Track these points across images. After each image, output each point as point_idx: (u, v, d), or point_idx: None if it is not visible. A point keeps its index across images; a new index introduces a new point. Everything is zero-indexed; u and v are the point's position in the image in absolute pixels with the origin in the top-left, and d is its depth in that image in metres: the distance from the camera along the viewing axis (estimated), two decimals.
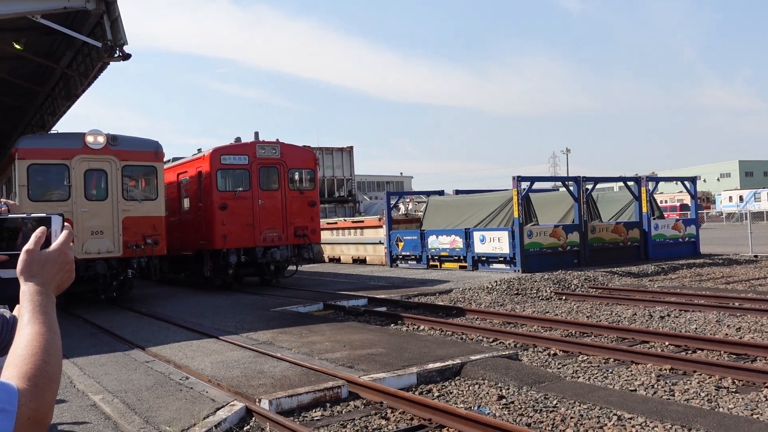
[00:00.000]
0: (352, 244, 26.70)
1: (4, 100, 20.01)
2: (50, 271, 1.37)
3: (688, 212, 27.02)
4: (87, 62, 14.88)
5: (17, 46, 14.58)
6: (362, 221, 26.73)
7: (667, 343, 9.37)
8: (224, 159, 17.57)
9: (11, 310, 1.78)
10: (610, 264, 19.56)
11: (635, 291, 14.81)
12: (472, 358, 8.32)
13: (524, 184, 19.46)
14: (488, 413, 6.51)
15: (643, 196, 21.67)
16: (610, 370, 8.11)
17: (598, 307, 13.04)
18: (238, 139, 18.39)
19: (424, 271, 20.94)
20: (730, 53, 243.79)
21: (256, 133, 18.28)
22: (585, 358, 8.76)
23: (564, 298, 14.53)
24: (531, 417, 6.38)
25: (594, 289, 15.43)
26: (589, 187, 21.06)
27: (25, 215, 1.46)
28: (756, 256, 21.31)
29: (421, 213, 24.62)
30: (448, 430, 6.07)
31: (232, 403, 6.80)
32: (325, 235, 25.44)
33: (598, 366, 8.38)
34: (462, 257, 20.63)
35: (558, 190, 25.22)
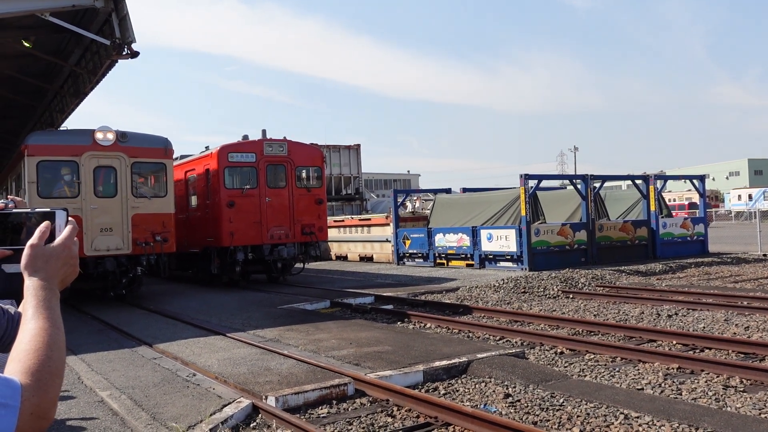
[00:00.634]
0: (359, 241, 26.72)
1: (14, 98, 20.11)
2: (54, 265, 1.37)
3: (697, 211, 26.90)
4: (95, 60, 14.92)
5: (26, 44, 14.65)
6: (369, 219, 26.74)
7: (674, 342, 9.34)
8: (232, 156, 17.61)
9: (17, 304, 1.78)
10: (617, 262, 19.49)
11: (643, 290, 14.76)
12: (479, 356, 8.31)
13: (532, 182, 19.41)
14: (494, 411, 6.51)
15: (651, 194, 21.57)
16: (617, 369, 8.08)
17: (606, 306, 13.00)
18: (245, 137, 18.42)
19: (431, 269, 20.93)
20: (740, 51, 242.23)
21: (264, 131, 18.31)
22: (592, 356, 8.74)
23: (571, 296, 14.49)
24: (537, 415, 6.37)
25: (601, 288, 15.38)
26: (597, 185, 20.99)
27: (29, 210, 1.46)
28: (765, 255, 21.19)
29: (429, 211, 24.60)
30: (454, 428, 6.06)
31: (238, 399, 6.82)
32: (332, 233, 25.50)
33: (605, 365, 8.35)
34: (469, 255, 20.61)
35: (566, 188, 25.16)
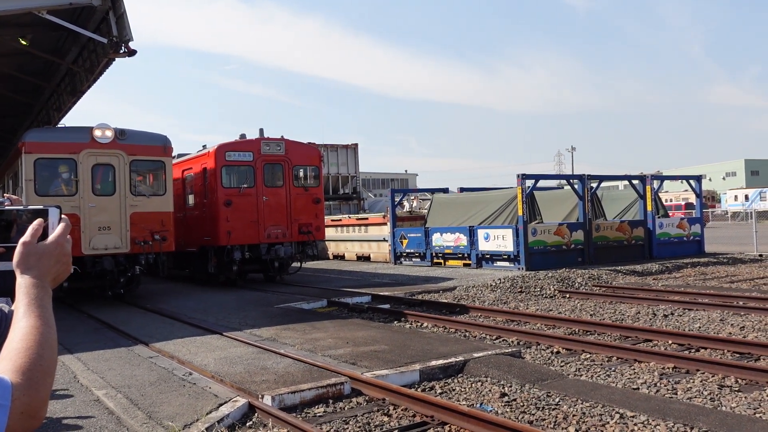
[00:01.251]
0: (356, 241, 26.72)
1: (10, 96, 20.06)
2: (47, 263, 1.36)
3: (693, 211, 26.95)
4: (92, 58, 14.89)
5: (23, 42, 14.61)
6: (366, 218, 26.73)
7: (670, 342, 9.35)
8: (229, 156, 17.59)
9: (12, 302, 1.78)
10: (614, 262, 19.52)
11: (639, 289, 14.78)
12: (475, 355, 8.32)
13: (529, 182, 19.42)
14: (490, 411, 6.51)
15: (648, 194, 21.60)
16: (613, 369, 8.10)
17: (602, 306, 13.02)
18: (242, 136, 18.40)
19: (428, 269, 20.94)
20: (738, 51, 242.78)
21: (261, 130, 18.29)
22: (588, 356, 8.75)
23: (567, 296, 14.50)
24: (533, 415, 6.38)
25: (598, 288, 15.40)
26: (594, 185, 21.01)
27: (21, 207, 1.46)
28: (761, 256, 21.23)
29: (426, 210, 24.61)
30: (450, 427, 6.07)
31: (235, 399, 6.82)
32: (329, 232, 25.48)
33: (601, 364, 8.37)
34: (466, 255, 20.62)
35: (563, 188, 25.16)
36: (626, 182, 23.72)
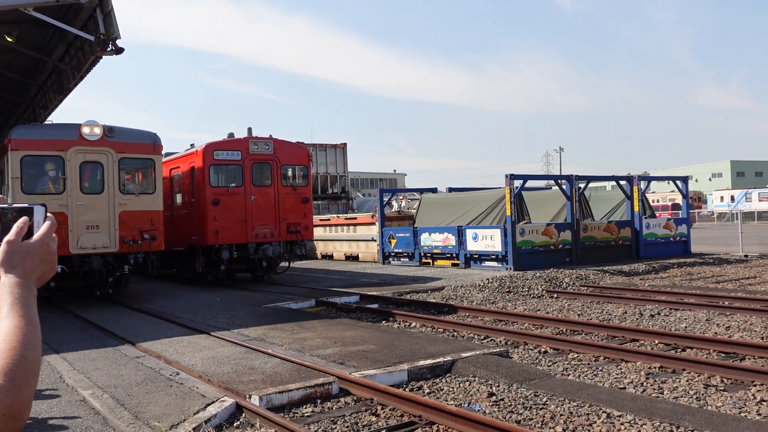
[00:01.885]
0: (344, 240, 26.69)
1: None
2: (31, 262, 1.35)
3: (680, 212, 27.14)
4: (79, 56, 14.78)
5: (9, 39, 14.48)
6: (355, 218, 26.71)
7: (656, 342, 9.41)
8: (217, 154, 17.51)
9: None
10: (601, 262, 19.62)
11: (626, 289, 14.86)
12: (463, 355, 8.33)
13: (517, 182, 19.48)
14: (478, 410, 6.53)
15: (635, 195, 21.73)
16: (600, 368, 8.14)
17: (589, 306, 13.08)
18: (231, 135, 18.33)
19: (416, 269, 20.96)
20: (725, 53, 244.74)
21: (249, 129, 18.23)
22: (575, 355, 8.79)
23: (555, 296, 14.56)
24: (521, 414, 6.40)
25: (585, 288, 15.47)
26: (582, 185, 21.11)
27: (5, 206, 1.44)
28: (746, 256, 21.42)
29: (414, 210, 24.62)
30: (438, 426, 6.07)
31: (222, 399, 6.79)
32: (317, 232, 25.43)
33: (588, 364, 8.40)
34: (454, 255, 20.65)
35: (551, 188, 25.27)
36: (614, 183, 23.85)
